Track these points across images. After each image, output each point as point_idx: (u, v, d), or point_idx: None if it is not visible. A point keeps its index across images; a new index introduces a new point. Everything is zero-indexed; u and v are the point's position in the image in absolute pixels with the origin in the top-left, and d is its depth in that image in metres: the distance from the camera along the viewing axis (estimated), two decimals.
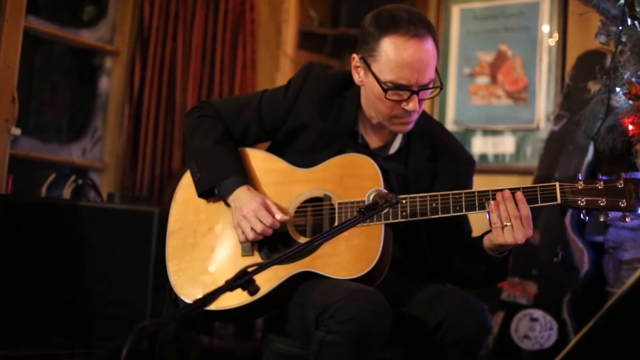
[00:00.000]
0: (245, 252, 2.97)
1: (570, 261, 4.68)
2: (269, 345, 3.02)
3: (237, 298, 2.66)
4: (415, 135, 3.06)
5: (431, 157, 3.05)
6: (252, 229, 2.90)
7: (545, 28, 5.74)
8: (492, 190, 2.74)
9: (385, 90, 2.84)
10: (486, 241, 2.80)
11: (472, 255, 2.91)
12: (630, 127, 3.56)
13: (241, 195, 2.95)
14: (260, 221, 2.89)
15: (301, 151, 3.06)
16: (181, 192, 3.14)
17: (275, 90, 3.18)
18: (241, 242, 2.97)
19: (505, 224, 2.68)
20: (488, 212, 2.72)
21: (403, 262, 3.01)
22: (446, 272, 3.07)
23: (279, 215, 2.91)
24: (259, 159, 3.11)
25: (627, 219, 2.66)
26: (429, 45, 2.85)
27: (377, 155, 3.02)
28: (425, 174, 3.03)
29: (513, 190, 2.71)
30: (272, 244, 2.96)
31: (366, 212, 2.56)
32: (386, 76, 2.84)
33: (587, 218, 2.69)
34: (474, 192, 2.77)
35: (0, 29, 4.13)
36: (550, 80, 5.68)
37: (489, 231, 2.78)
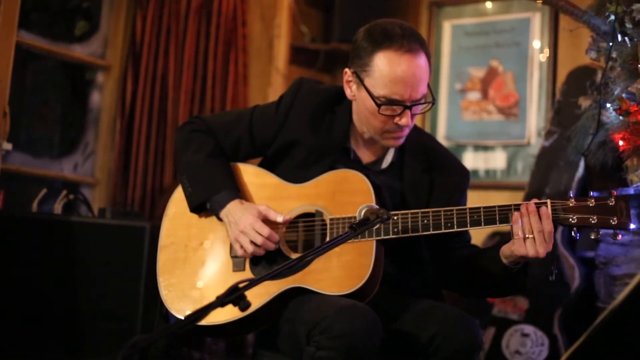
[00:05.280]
0: (237, 267, 2.96)
1: (561, 276, 4.68)
2: None
3: (228, 314, 2.65)
4: (409, 148, 3.06)
5: (426, 169, 3.05)
6: (252, 242, 2.89)
7: (536, 44, 5.77)
8: (484, 207, 2.75)
9: (378, 105, 2.84)
10: (506, 250, 2.77)
11: (485, 265, 2.89)
12: (621, 142, 3.57)
13: (234, 209, 2.95)
14: (259, 234, 2.88)
15: (293, 167, 3.06)
16: (173, 207, 3.13)
17: (266, 106, 3.18)
18: (238, 257, 2.96)
19: (527, 235, 2.68)
20: (511, 224, 2.71)
21: (398, 276, 3.01)
22: (453, 282, 3.08)
23: (279, 218, 2.91)
24: (250, 174, 3.11)
25: (618, 237, 2.67)
26: (422, 60, 2.86)
27: (369, 170, 3.02)
28: (421, 186, 3.02)
29: (539, 205, 2.70)
30: (263, 260, 2.95)
31: (357, 228, 2.56)
32: (379, 91, 2.84)
33: (578, 235, 2.70)
34: (465, 209, 2.78)
35: None
36: (541, 96, 5.70)
37: (502, 242, 2.79)
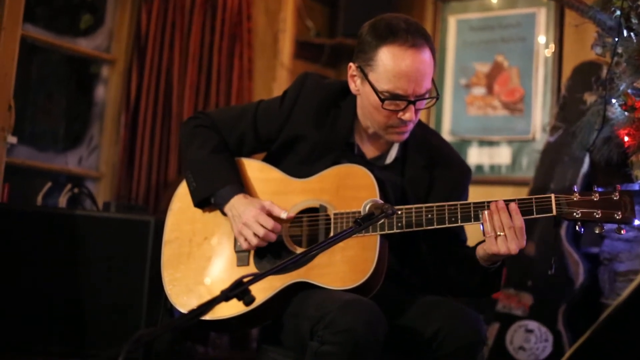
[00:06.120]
0: (241, 262, 2.96)
1: (565, 272, 4.68)
2: (264, 356, 3.02)
3: (232, 308, 2.66)
4: (412, 145, 3.05)
5: (427, 166, 3.04)
6: (255, 234, 2.88)
7: (541, 39, 5.76)
8: (488, 202, 2.74)
9: (382, 100, 2.84)
10: (480, 251, 2.79)
11: (466, 264, 2.90)
12: (626, 138, 3.56)
13: (238, 203, 2.94)
14: (262, 226, 2.88)
15: (297, 161, 3.06)
16: (177, 202, 3.13)
17: (270, 101, 3.18)
18: (242, 251, 2.96)
19: (498, 233, 2.68)
20: (482, 223, 2.72)
21: (401, 272, 3.01)
22: (443, 281, 3.07)
23: (284, 214, 2.91)
24: (255, 169, 3.11)
25: (622, 231, 2.66)
26: (426, 55, 2.85)
27: (373, 165, 3.02)
28: (421, 183, 3.02)
29: (508, 202, 2.71)
30: (267, 254, 2.95)
31: (362, 223, 2.56)
32: (383, 86, 2.84)
33: (582, 230, 2.69)
34: (469, 204, 2.77)
35: None
36: (546, 91, 5.69)
37: (483, 241, 2.78)
